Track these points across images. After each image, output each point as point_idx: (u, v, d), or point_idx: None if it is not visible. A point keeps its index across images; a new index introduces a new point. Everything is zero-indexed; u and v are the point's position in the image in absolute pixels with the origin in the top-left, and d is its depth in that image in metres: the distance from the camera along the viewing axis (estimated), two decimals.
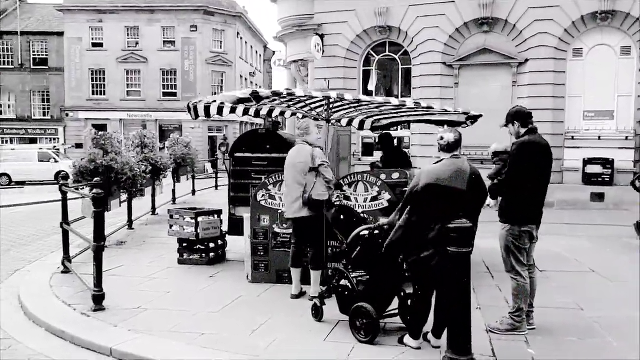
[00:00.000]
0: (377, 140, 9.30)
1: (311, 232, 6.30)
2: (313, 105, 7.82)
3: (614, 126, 15.66)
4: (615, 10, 15.11)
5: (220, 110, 7.74)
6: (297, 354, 4.72)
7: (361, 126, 9.71)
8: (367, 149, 18.25)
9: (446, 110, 7.37)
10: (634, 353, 4.77)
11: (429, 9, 16.75)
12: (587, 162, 15.42)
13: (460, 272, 4.19)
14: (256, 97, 5.81)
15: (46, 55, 42.40)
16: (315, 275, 6.29)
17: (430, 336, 4.81)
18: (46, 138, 41.55)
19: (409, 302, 5.08)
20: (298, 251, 6.45)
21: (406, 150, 16.45)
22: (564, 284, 7.07)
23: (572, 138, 15.84)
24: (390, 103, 7.01)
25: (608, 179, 15.16)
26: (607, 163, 15.23)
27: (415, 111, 7.83)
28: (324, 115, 7.68)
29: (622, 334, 5.20)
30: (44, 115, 42.73)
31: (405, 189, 7.22)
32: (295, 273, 6.45)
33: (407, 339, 4.84)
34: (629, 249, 9.55)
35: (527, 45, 15.95)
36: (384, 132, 9.61)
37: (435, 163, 4.76)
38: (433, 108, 6.98)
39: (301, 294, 6.43)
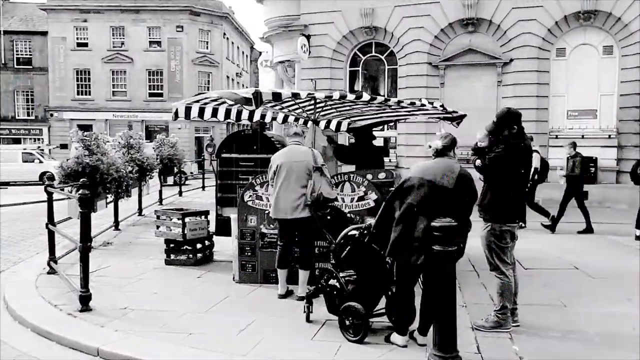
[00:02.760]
0: (351, 134, 9.13)
1: (307, 232, 6.30)
2: (303, 106, 7.89)
3: (597, 125, 15.86)
4: (597, 10, 15.32)
5: (201, 112, 7.76)
6: (284, 353, 4.74)
7: (338, 127, 9.82)
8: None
9: (432, 106, 7.40)
10: (616, 348, 4.87)
11: (414, 10, 16.86)
12: None
13: (446, 270, 4.24)
14: (257, 98, 5.77)
15: (30, 54, 42.02)
16: (303, 275, 6.31)
17: (416, 334, 4.87)
18: (30, 138, 41.16)
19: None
20: (285, 252, 6.45)
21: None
22: (548, 281, 7.17)
23: (556, 137, 16.03)
24: (374, 102, 7.01)
25: (591, 177, 15.34)
26: (590, 161, 15.40)
27: (397, 110, 7.89)
28: (311, 117, 7.74)
29: (605, 330, 5.29)
30: (28, 115, 42.33)
31: (392, 188, 7.31)
32: (282, 273, 6.46)
33: (394, 336, 4.89)
34: (613, 247, 9.70)
35: (511, 45, 16.11)
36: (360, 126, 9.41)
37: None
38: (415, 103, 7.04)
39: (288, 294, 6.45)
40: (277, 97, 6.15)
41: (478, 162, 5.33)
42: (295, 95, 6.35)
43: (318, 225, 6.13)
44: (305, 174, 6.16)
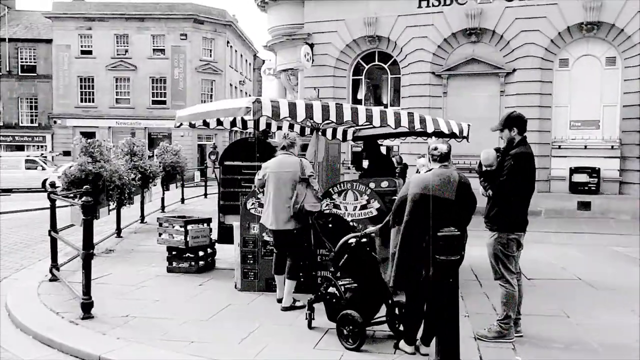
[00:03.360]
0: (362, 148, 9.24)
1: (295, 244, 6.30)
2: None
3: (599, 135, 15.86)
4: (600, 21, 15.36)
5: (206, 121, 7.79)
6: None
7: (344, 136, 9.84)
8: (356, 158, 18.35)
9: (445, 126, 7.36)
10: (618, 359, 4.84)
11: (417, 19, 16.93)
12: (574, 171, 15.58)
13: (449, 280, 4.23)
14: (257, 111, 5.76)
15: (34, 62, 42.17)
16: (289, 285, 6.28)
17: (419, 343, 4.85)
18: (34, 145, 41.24)
19: (397, 309, 5.15)
20: (281, 258, 6.45)
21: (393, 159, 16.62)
22: (551, 292, 7.14)
23: (559, 147, 16.02)
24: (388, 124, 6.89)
25: (594, 188, 15.33)
26: (593, 172, 15.40)
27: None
28: (314, 125, 7.75)
29: (608, 341, 5.26)
30: (32, 122, 42.43)
31: (394, 197, 7.29)
32: (279, 279, 6.50)
33: (403, 344, 4.89)
34: (616, 258, 9.67)
35: (514, 56, 16.15)
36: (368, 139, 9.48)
37: (425, 172, 4.83)
38: (426, 127, 7.01)
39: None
40: (275, 116, 6.05)
41: (489, 192, 5.26)
42: (293, 117, 6.24)
43: (309, 237, 6.17)
44: (292, 185, 6.16)
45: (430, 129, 7.01)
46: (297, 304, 6.26)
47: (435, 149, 4.78)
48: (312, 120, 6.59)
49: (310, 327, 5.53)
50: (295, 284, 6.33)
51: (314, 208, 6.12)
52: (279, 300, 6.47)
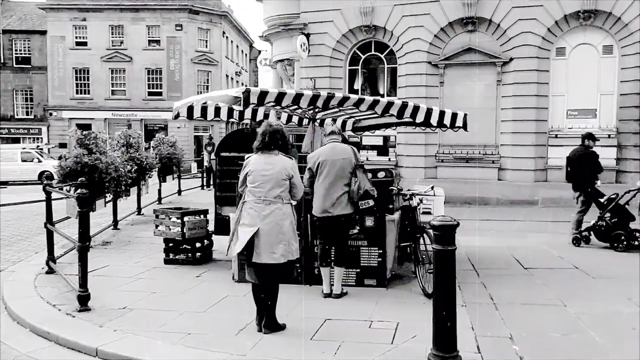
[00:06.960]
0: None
1: (345, 229, 6.33)
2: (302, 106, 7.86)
3: (596, 124, 15.84)
4: (597, 9, 15.30)
5: (204, 113, 7.75)
6: (283, 352, 4.72)
7: (343, 126, 9.80)
8: None
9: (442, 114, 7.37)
10: (617, 348, 4.85)
11: (414, 9, 16.84)
12: None
13: (445, 269, 4.22)
14: (246, 99, 5.78)
15: (29, 53, 41.95)
16: (339, 272, 6.35)
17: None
18: (29, 138, 41.09)
19: None
20: (326, 250, 6.41)
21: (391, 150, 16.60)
22: (547, 281, 7.14)
23: (556, 136, 15.99)
24: (376, 113, 6.91)
25: None
26: None
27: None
28: (309, 115, 7.71)
29: (605, 330, 5.27)
30: (27, 114, 42.26)
31: (391, 187, 7.30)
32: (325, 272, 6.40)
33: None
34: None
35: (511, 45, 16.09)
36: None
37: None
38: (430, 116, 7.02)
39: (332, 293, 6.40)
40: (260, 100, 6.08)
41: None
42: (279, 101, 6.25)
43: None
44: (348, 171, 6.20)
45: (420, 118, 7.00)
46: (344, 290, 6.39)
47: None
48: (298, 106, 6.61)
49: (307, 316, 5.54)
50: (343, 270, 6.42)
51: (374, 191, 6.22)
52: (326, 295, 6.34)
